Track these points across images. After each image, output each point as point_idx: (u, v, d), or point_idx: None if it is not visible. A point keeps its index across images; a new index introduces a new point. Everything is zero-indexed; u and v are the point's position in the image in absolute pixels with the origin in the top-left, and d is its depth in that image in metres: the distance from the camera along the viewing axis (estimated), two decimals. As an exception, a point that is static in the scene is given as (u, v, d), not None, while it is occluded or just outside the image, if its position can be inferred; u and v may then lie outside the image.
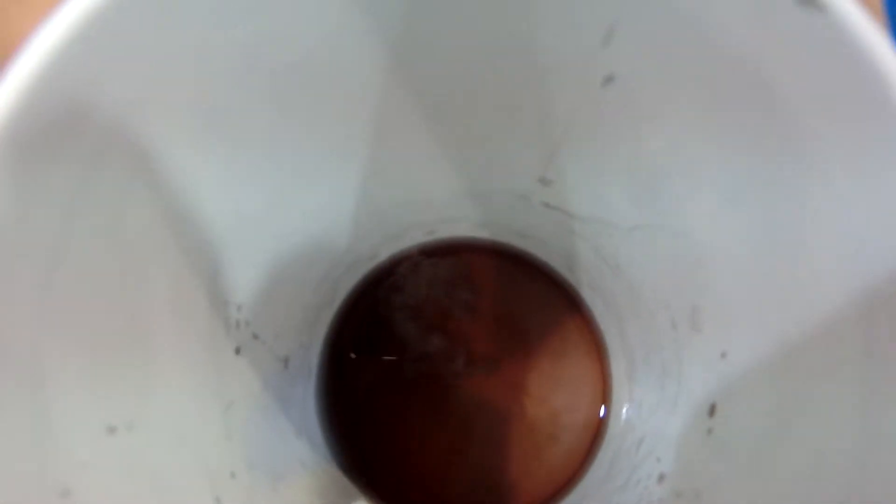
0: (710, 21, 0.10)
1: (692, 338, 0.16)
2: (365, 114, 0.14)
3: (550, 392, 0.21)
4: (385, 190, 0.17)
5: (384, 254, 0.21)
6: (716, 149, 0.12)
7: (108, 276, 0.11)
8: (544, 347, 0.21)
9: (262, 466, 0.16)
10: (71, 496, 0.10)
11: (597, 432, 0.20)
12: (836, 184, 0.10)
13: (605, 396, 0.21)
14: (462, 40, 0.12)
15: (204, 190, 0.13)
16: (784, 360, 0.12)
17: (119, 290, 0.12)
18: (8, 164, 0.09)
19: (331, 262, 0.19)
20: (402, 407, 0.21)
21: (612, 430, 0.20)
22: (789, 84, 0.10)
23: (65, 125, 0.09)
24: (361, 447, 0.20)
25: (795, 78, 0.10)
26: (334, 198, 0.17)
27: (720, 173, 0.12)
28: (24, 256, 0.09)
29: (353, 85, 0.13)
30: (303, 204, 0.16)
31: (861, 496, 0.09)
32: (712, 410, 0.14)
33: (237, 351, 0.16)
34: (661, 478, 0.15)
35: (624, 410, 0.20)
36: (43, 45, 0.09)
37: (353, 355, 0.21)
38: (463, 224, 0.21)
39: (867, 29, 0.08)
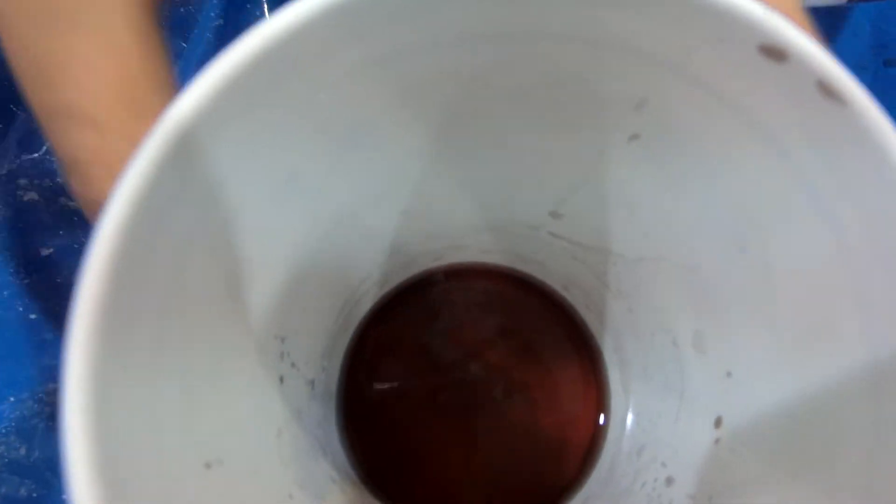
0: (747, 103, 0.12)
1: (696, 358, 0.17)
2: (413, 165, 0.15)
3: (552, 402, 0.22)
4: (413, 223, 0.18)
5: (394, 280, 0.23)
6: (735, 202, 0.14)
7: (207, 307, 0.12)
8: (546, 362, 0.23)
9: (309, 486, 0.17)
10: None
11: (596, 440, 0.22)
12: (847, 235, 0.12)
13: (602, 406, 0.22)
14: (511, 115, 0.14)
15: (269, 240, 0.14)
16: (793, 383, 0.14)
17: (207, 321, 0.13)
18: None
19: (351, 291, 0.20)
20: (415, 422, 0.22)
21: (612, 437, 0.22)
22: (808, 154, 0.12)
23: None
24: (379, 462, 0.22)
25: (811, 150, 0.12)
26: (368, 234, 0.18)
27: (732, 223, 0.14)
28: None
29: (400, 151, 0.15)
30: (344, 242, 0.17)
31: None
32: (718, 423, 0.16)
33: (281, 380, 0.17)
34: (670, 481, 0.17)
35: (623, 419, 0.22)
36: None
37: (370, 381, 0.22)
38: (470, 251, 0.22)
39: (881, 120, 0.10)
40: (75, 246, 0.24)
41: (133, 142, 0.10)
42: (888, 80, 0.27)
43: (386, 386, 0.22)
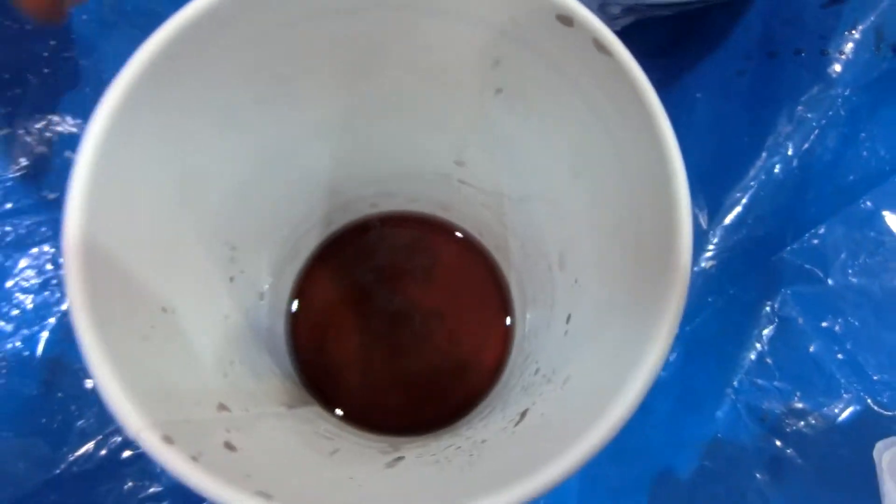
0: (558, 59, 0.16)
1: (559, 275, 0.22)
2: (334, 116, 0.20)
3: (468, 329, 0.27)
4: (345, 169, 0.23)
5: (338, 222, 0.27)
6: (566, 138, 0.18)
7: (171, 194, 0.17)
8: (461, 296, 0.27)
9: (248, 363, 0.21)
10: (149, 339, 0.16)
11: (503, 358, 0.27)
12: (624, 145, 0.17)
13: (509, 333, 0.27)
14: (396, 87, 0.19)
15: (220, 164, 0.19)
16: (607, 279, 0.18)
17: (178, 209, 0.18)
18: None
19: (298, 220, 0.25)
20: (350, 336, 0.27)
21: (513, 355, 0.26)
22: (598, 94, 0.16)
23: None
24: (316, 371, 0.26)
25: (601, 90, 0.16)
26: (305, 173, 0.23)
27: (568, 154, 0.19)
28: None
29: (317, 102, 0.20)
30: (284, 176, 0.22)
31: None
32: (568, 319, 0.21)
33: (231, 279, 0.22)
34: (537, 371, 0.22)
35: (522, 340, 0.26)
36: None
37: (313, 304, 0.27)
38: (399, 198, 0.27)
39: (633, 64, 0.15)
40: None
41: None
42: (772, 68, 0.32)
43: (326, 309, 0.27)
